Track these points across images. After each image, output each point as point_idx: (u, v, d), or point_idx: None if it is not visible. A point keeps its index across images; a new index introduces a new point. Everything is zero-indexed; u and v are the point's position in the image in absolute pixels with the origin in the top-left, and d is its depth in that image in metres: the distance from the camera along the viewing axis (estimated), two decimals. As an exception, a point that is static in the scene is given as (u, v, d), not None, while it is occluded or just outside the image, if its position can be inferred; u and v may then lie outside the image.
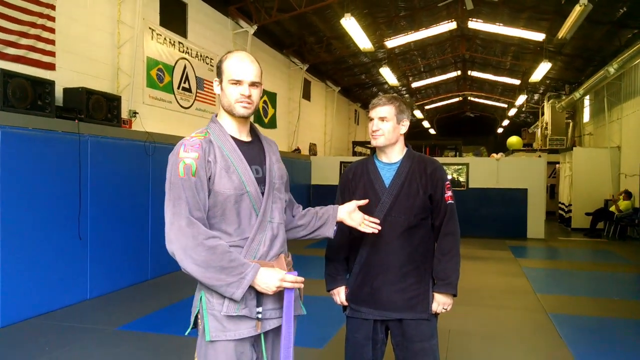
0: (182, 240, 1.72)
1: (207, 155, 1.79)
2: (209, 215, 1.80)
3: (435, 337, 2.38)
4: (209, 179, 1.79)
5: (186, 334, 1.96)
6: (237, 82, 1.84)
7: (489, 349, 4.31)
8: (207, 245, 1.71)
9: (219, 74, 1.89)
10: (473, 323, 5.01)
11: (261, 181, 1.89)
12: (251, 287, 1.77)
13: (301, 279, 1.83)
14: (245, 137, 1.95)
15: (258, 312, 1.82)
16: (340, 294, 2.43)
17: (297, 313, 1.94)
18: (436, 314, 2.38)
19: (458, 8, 12.54)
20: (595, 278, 7.64)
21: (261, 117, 11.72)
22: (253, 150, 1.93)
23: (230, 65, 1.85)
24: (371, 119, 2.35)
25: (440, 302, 2.34)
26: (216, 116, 1.96)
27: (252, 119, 2.02)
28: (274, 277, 1.78)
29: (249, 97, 1.85)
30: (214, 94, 9.39)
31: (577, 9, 8.90)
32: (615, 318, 5.32)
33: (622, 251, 10.19)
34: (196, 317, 1.86)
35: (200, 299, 1.82)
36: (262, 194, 1.87)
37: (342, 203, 2.41)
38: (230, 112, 1.88)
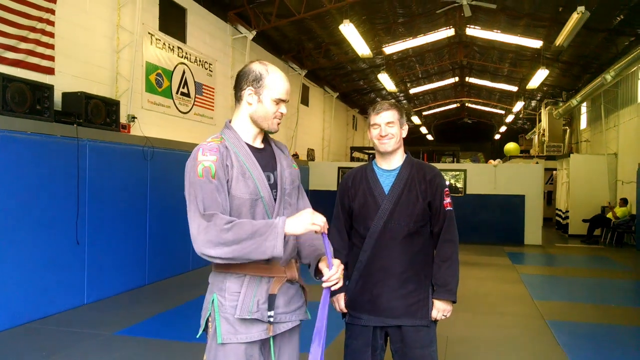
0: (204, 236, 1.72)
1: (224, 159, 1.82)
2: None
3: (434, 343, 2.38)
4: (227, 182, 1.81)
5: (197, 336, 1.97)
6: (282, 102, 1.90)
7: (487, 355, 4.31)
8: (229, 227, 1.71)
9: (259, 85, 1.88)
10: (471, 330, 5.01)
11: (273, 187, 1.92)
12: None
13: (324, 220, 1.78)
14: (259, 144, 1.97)
15: (270, 316, 1.83)
16: (339, 301, 2.42)
17: (303, 318, 1.96)
18: (435, 321, 2.39)
19: (456, 15, 12.61)
20: (592, 285, 7.65)
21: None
22: (265, 157, 1.96)
23: (275, 82, 1.88)
24: (376, 125, 2.35)
25: (440, 309, 2.35)
26: (229, 122, 1.97)
27: None
28: (303, 218, 1.76)
29: (283, 114, 1.93)
30: (213, 99, 9.40)
31: (575, 16, 8.97)
32: (612, 325, 5.32)
33: (619, 258, 10.21)
34: (206, 320, 1.86)
35: (212, 301, 1.84)
36: (275, 199, 1.90)
37: (342, 209, 2.43)
38: (263, 125, 1.91)
